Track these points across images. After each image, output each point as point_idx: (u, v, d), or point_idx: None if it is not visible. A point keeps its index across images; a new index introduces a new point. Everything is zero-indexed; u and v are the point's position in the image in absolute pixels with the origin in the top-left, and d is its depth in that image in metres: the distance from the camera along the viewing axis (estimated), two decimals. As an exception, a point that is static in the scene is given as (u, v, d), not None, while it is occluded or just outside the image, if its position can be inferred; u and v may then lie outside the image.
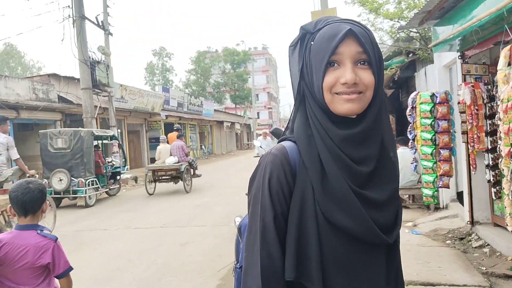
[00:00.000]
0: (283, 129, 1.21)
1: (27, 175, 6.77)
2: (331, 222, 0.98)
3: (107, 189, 11.58)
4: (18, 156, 7.03)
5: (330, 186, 0.98)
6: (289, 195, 1.01)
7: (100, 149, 11.83)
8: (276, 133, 5.92)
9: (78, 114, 14.69)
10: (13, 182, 6.43)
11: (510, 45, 3.14)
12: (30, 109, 13.32)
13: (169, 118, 24.83)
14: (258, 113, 55.14)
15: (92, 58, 14.35)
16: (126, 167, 13.21)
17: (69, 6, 13.84)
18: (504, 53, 3.18)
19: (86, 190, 10.01)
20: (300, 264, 0.98)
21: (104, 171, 11.36)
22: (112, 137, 12.84)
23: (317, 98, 1.01)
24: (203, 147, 32.37)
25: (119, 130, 16.13)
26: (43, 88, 14.49)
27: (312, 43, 1.02)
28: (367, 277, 1.01)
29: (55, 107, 14.73)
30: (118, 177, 12.30)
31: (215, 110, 36.14)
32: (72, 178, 10.02)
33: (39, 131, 10.89)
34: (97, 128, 14.15)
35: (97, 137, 11.57)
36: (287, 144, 1.06)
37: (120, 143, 13.62)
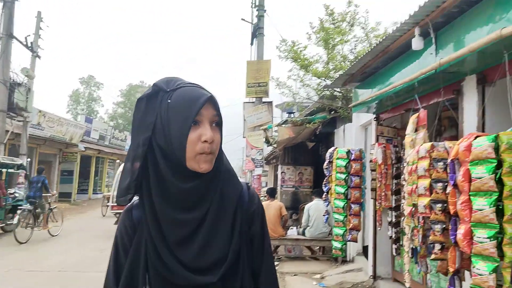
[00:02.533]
0: None
1: None
2: (159, 272, 1.12)
3: (3, 224, 10.26)
4: None
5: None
6: (130, 245, 1.18)
7: (4, 178, 10.70)
8: None
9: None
10: None
11: (418, 113, 3.45)
12: None
13: (88, 151, 23.49)
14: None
15: (13, 80, 13.39)
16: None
17: (-2, 22, 12.98)
18: (412, 119, 3.47)
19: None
20: None
21: (4, 203, 10.14)
22: (20, 166, 11.63)
23: (173, 152, 1.10)
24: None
25: (28, 159, 14.87)
26: None
27: (169, 101, 1.12)
28: None
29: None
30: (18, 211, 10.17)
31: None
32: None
33: None
34: (4, 155, 12.82)
35: (2, 165, 10.49)
36: (135, 199, 1.20)
37: (28, 173, 12.15)
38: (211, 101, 1.14)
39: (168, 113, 1.11)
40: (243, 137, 12.48)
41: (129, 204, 1.21)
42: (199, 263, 1.12)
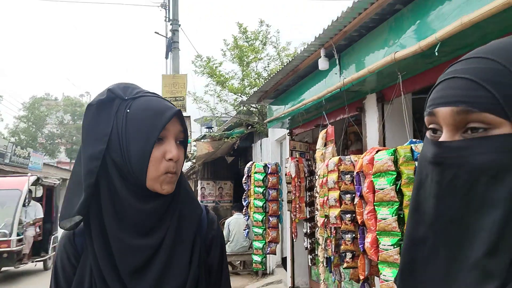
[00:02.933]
0: None
1: None
2: None
3: None
4: None
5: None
6: (74, 276, 1.03)
7: None
8: None
9: None
10: None
11: (326, 129, 3.65)
12: None
13: (-18, 171, 21.17)
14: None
15: None
16: None
17: None
18: (321, 135, 3.65)
19: None
20: None
21: None
22: None
23: (130, 169, 0.97)
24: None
25: None
26: None
27: (128, 111, 0.99)
28: None
29: None
30: None
31: (44, 163, 32.31)
32: None
33: None
34: None
35: None
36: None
37: None
38: (178, 116, 1.02)
39: (126, 125, 0.97)
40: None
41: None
42: None
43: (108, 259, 0.97)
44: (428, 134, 0.67)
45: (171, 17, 12.20)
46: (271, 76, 5.07)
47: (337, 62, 3.53)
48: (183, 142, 1.06)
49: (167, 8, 12.21)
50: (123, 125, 0.98)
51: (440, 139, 0.63)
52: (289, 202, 5.31)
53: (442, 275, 0.62)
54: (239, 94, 9.23)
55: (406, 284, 0.68)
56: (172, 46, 12.07)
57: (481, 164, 0.58)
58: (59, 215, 1.09)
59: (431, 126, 0.66)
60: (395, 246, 2.37)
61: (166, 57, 12.80)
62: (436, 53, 2.21)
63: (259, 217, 5.69)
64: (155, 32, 12.79)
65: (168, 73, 12.22)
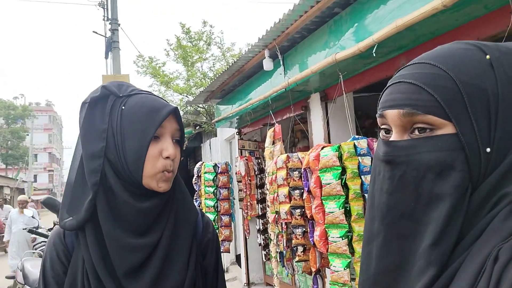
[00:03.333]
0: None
1: None
2: None
3: None
4: None
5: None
6: (65, 275, 0.98)
7: None
8: (49, 204, 5.18)
9: None
10: None
11: (273, 127, 3.73)
12: None
13: None
14: (35, 175, 48.63)
15: None
16: None
17: None
18: (269, 133, 3.72)
19: None
20: None
21: None
22: None
23: (125, 167, 0.96)
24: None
25: None
26: None
27: (123, 108, 0.98)
28: None
29: None
30: None
31: (-22, 171, 30.18)
32: None
33: None
34: None
35: None
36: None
37: None
38: (175, 114, 1.01)
39: (122, 122, 0.96)
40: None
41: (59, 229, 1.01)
42: None
43: (103, 259, 0.95)
44: (381, 134, 0.73)
45: (109, 16, 11.78)
46: (217, 76, 5.08)
47: (281, 62, 3.62)
48: (179, 141, 1.05)
49: (105, 7, 11.78)
50: (118, 122, 0.97)
51: (390, 139, 0.69)
52: (241, 200, 5.37)
53: (395, 266, 0.66)
54: (185, 94, 9.14)
55: (365, 277, 0.72)
56: (112, 45, 11.65)
57: (427, 162, 0.62)
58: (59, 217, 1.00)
59: (383, 126, 0.71)
60: (343, 238, 2.45)
61: (106, 57, 12.32)
62: (374, 54, 2.32)
63: (211, 216, 5.70)
64: (93, 32, 12.26)
65: (109, 73, 11.81)
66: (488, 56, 0.63)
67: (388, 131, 0.70)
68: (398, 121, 0.66)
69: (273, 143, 3.69)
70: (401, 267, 0.65)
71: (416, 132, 0.65)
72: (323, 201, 2.59)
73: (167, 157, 0.98)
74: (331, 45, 2.93)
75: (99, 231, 0.96)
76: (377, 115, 0.71)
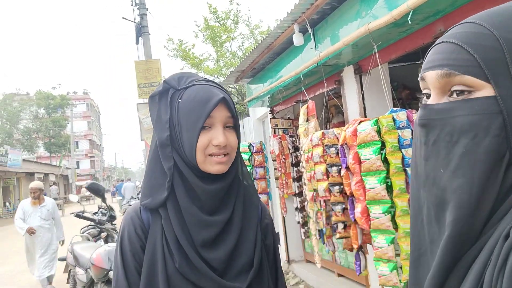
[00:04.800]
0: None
1: None
2: (181, 274, 1.02)
3: None
4: None
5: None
6: (142, 249, 1.06)
7: None
8: (93, 189, 5.42)
9: None
10: None
11: (307, 104, 3.66)
12: None
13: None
14: (78, 162, 50.64)
15: None
16: None
17: None
18: (303, 110, 3.66)
19: None
20: None
21: None
22: None
23: (185, 155, 1.05)
24: (7, 204, 27.54)
25: None
26: None
27: (180, 100, 1.05)
28: None
29: None
30: None
31: (24, 159, 31.60)
32: None
33: None
34: None
35: None
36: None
37: None
38: (224, 102, 1.06)
39: (178, 115, 1.05)
40: (141, 139, 12.03)
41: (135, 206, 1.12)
42: (227, 267, 1.06)
43: (183, 231, 1.04)
44: (423, 100, 0.69)
45: (137, 1, 11.85)
46: (247, 55, 5.02)
47: (312, 36, 3.51)
48: (233, 127, 1.10)
49: (133, -8, 11.86)
50: (175, 114, 1.06)
51: (428, 102, 0.65)
52: (277, 179, 5.36)
53: (430, 240, 0.64)
54: (216, 75, 9.14)
55: (416, 245, 0.69)
56: (141, 31, 11.77)
57: (460, 126, 0.58)
58: (139, 196, 1.14)
59: (424, 91, 0.68)
60: (385, 214, 2.41)
61: (137, 43, 12.47)
62: (409, 22, 2.22)
63: (249, 196, 5.74)
64: (123, 18, 12.43)
65: (141, 59, 11.96)
66: None
67: (429, 96, 0.67)
68: (436, 83, 0.62)
69: (307, 120, 3.63)
70: (433, 241, 0.63)
71: (454, 95, 0.61)
72: (363, 177, 2.54)
73: (217, 145, 1.04)
74: (363, 14, 2.80)
75: (177, 209, 1.05)
76: (419, 78, 0.68)
